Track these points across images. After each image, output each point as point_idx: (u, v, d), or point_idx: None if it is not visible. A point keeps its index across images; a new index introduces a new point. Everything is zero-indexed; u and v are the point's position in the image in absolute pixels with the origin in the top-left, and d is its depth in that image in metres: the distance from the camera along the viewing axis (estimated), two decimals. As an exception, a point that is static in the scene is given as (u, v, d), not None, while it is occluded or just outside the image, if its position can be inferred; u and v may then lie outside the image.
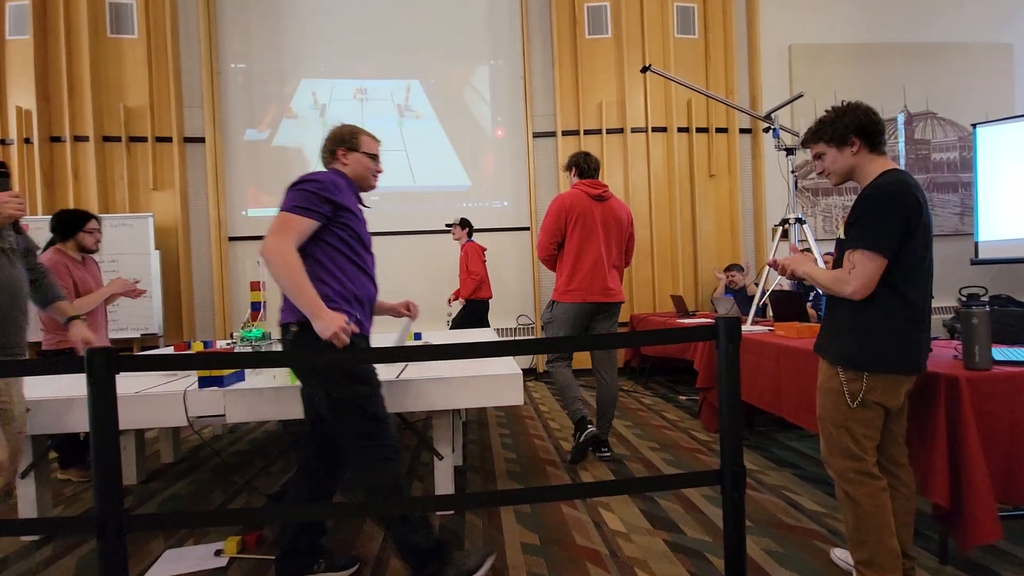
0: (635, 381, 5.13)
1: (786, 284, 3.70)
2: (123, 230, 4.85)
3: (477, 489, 2.54)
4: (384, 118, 5.44)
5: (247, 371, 2.25)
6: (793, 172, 3.48)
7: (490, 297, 4.78)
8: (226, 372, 2.03)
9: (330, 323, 1.51)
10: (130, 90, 5.12)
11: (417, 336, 3.48)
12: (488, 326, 4.75)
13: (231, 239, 5.33)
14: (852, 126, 1.55)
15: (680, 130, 5.55)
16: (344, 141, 1.80)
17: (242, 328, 2.50)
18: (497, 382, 2.14)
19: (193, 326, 5.24)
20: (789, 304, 3.12)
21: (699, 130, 5.58)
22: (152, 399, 1.98)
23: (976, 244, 5.43)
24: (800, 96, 3.64)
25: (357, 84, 5.45)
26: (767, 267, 3.32)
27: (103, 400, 1.18)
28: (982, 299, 5.32)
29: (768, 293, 3.36)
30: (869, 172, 1.57)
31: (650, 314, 5.22)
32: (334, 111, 5.42)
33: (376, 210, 5.39)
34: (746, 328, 3.18)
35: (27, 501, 2.20)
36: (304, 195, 1.61)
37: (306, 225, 1.60)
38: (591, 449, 2.96)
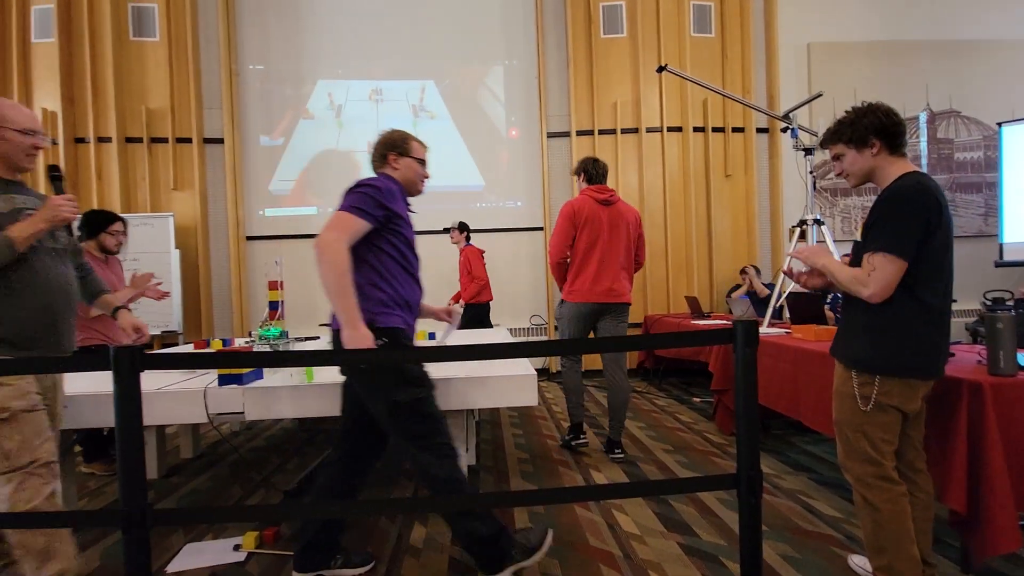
0: (648, 382, 5.11)
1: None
2: (144, 229, 4.95)
3: (490, 489, 2.56)
4: (399, 119, 5.48)
5: (265, 369, 2.29)
6: (811, 172, 3.44)
7: (491, 300, 4.78)
8: (245, 370, 2.07)
9: (361, 340, 1.54)
10: (152, 92, 5.22)
11: (431, 336, 3.50)
12: (491, 327, 4.76)
13: (249, 239, 5.41)
14: (872, 127, 1.53)
15: (696, 130, 5.51)
16: (396, 146, 1.84)
17: (260, 327, 2.54)
18: (511, 383, 2.14)
19: (212, 324, 5.33)
20: (806, 306, 3.09)
21: (715, 129, 5.53)
22: (173, 396, 2.02)
23: (1001, 246, 5.30)
24: (819, 95, 3.60)
25: (372, 85, 5.49)
26: (786, 260, 3.28)
27: (128, 397, 1.21)
28: (1007, 303, 5.19)
29: (785, 295, 3.33)
30: (889, 174, 1.55)
31: (664, 315, 5.19)
32: (350, 112, 5.47)
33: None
34: (762, 330, 3.15)
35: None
36: (362, 197, 1.64)
37: (361, 226, 1.63)
38: (604, 450, 3.04)
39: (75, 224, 1.75)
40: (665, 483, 1.95)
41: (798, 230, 3.40)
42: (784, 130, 3.52)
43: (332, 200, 5.48)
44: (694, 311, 4.83)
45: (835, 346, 1.65)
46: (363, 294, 1.64)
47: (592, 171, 3.04)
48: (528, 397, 2.13)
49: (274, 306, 2.66)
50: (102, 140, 5.14)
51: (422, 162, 1.88)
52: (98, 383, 2.17)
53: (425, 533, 2.14)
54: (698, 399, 4.36)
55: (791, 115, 3.46)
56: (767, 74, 5.58)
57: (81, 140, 5.17)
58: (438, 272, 5.30)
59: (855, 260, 1.59)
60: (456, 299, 4.81)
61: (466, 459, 2.37)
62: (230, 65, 5.27)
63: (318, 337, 3.77)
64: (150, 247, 4.95)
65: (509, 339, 3.71)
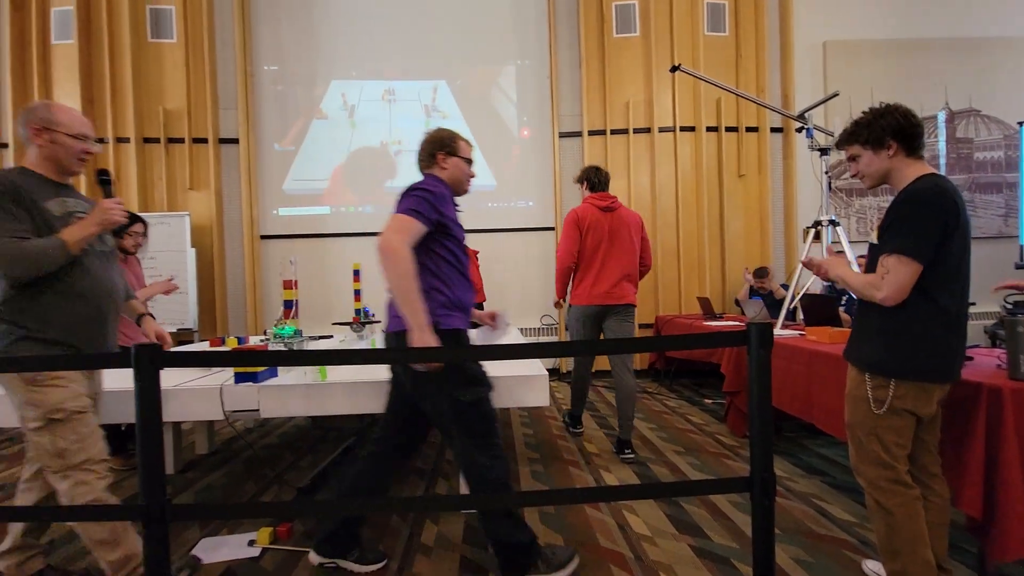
0: (660, 383, 5.09)
1: (819, 286, 3.62)
2: (161, 228, 5.02)
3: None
4: (411, 119, 5.51)
5: (280, 367, 2.32)
6: (827, 173, 3.40)
7: (483, 301, 4.78)
8: (261, 368, 2.10)
9: (426, 341, 1.57)
10: (169, 93, 5.30)
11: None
12: None
13: (263, 237, 5.47)
14: (889, 128, 1.51)
15: (709, 129, 5.47)
16: (444, 145, 1.85)
17: (275, 325, 2.57)
18: (523, 383, 2.15)
19: (226, 322, 5.40)
20: (821, 308, 3.06)
21: (728, 129, 5.49)
22: (190, 393, 2.06)
23: (1021, 247, 5.20)
24: (835, 95, 3.55)
25: (385, 85, 5.53)
26: (798, 270, 3.25)
27: (148, 394, 1.23)
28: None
29: (800, 296, 3.29)
30: (905, 176, 1.53)
31: (676, 316, 5.16)
32: (363, 112, 5.51)
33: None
34: (775, 332, 3.13)
35: (73, 488, 2.32)
36: (419, 200, 1.66)
37: (419, 229, 1.65)
38: (615, 451, 3.05)
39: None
40: (677, 485, 1.95)
41: (813, 231, 3.36)
42: (799, 130, 3.48)
43: (361, 199, 5.52)
44: (706, 312, 4.80)
45: (849, 349, 1.64)
46: (427, 297, 1.67)
47: (595, 179, 3.18)
48: (540, 397, 2.14)
49: (289, 305, 2.69)
50: (120, 140, 5.23)
51: (469, 161, 1.89)
52: (116, 380, 2.22)
53: (436, 532, 2.15)
54: (710, 400, 4.33)
55: (806, 115, 3.43)
56: (782, 73, 5.53)
57: (100, 140, 5.25)
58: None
59: (871, 262, 1.58)
60: None
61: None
62: (245, 66, 5.33)
63: (331, 336, 3.80)
64: (166, 246, 5.02)
65: (520, 339, 3.72)
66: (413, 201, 1.66)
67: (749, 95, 4.20)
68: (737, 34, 5.47)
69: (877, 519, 1.55)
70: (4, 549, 1.74)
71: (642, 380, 5.28)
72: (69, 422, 1.57)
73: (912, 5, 5.55)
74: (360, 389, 2.08)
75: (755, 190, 5.52)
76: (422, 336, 1.57)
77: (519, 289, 5.51)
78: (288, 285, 2.74)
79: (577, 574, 1.81)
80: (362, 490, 1.83)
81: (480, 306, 4.76)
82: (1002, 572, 1.74)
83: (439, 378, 1.67)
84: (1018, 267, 5.22)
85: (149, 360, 1.22)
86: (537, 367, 2.31)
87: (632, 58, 5.47)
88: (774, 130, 5.55)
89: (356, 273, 3.70)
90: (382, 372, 2.24)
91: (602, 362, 5.14)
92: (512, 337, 3.67)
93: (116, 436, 3.01)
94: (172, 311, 5.01)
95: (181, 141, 5.31)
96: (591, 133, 5.48)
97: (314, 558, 1.89)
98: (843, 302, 3.76)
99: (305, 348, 2.78)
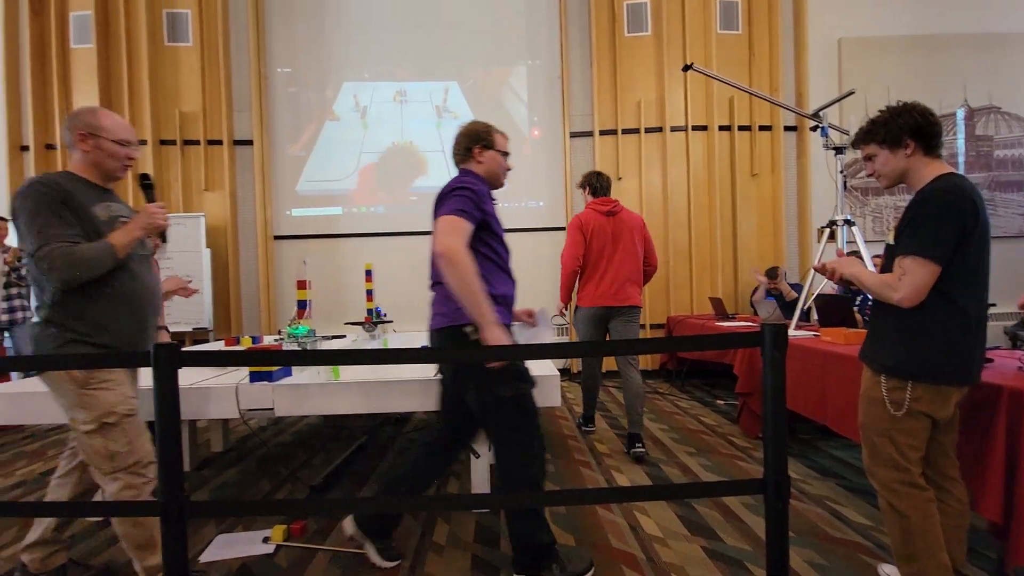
0: (671, 384, 5.06)
1: (833, 286, 3.58)
2: (177, 229, 5.10)
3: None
4: (423, 119, 5.54)
5: (294, 367, 2.34)
6: (842, 171, 3.36)
7: None
8: (275, 368, 2.12)
9: (498, 338, 1.57)
10: (185, 96, 5.37)
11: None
12: None
13: (276, 238, 5.53)
14: (907, 127, 1.49)
15: (722, 128, 5.43)
16: (480, 139, 1.83)
17: (289, 325, 2.59)
18: (534, 383, 2.15)
19: (241, 321, 5.47)
20: (836, 309, 3.02)
21: (741, 128, 5.44)
22: (207, 392, 2.09)
23: (1043, 246, 5.10)
24: (851, 93, 3.50)
25: (397, 86, 5.56)
26: (812, 270, 3.22)
27: (167, 392, 1.26)
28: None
29: (814, 297, 3.26)
30: (923, 176, 1.51)
31: (687, 316, 5.13)
32: (375, 113, 5.55)
33: (414, 210, 5.51)
34: (789, 333, 3.10)
35: (93, 484, 2.37)
36: (464, 200, 1.66)
37: (469, 228, 1.65)
38: (625, 449, 3.08)
39: (167, 231, 1.79)
40: (691, 487, 1.94)
41: (827, 231, 3.32)
42: (814, 129, 3.44)
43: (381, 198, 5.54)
44: (718, 312, 4.76)
45: (864, 350, 1.62)
46: None
47: (596, 184, 3.28)
48: (551, 397, 2.14)
49: (302, 305, 2.72)
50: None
51: (505, 154, 1.87)
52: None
53: (448, 531, 2.16)
54: (722, 401, 4.30)
55: (821, 113, 3.39)
56: (796, 71, 5.47)
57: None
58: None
59: (887, 263, 1.56)
60: None
61: (488, 458, 2.39)
62: (259, 68, 5.39)
63: (344, 336, 3.83)
64: (182, 246, 5.10)
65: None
66: (458, 201, 1.66)
67: (762, 94, 4.17)
68: (750, 32, 5.42)
69: (891, 522, 1.53)
70: (31, 542, 1.78)
71: (654, 381, 5.26)
72: (120, 425, 1.60)
73: (929, 1, 5.46)
74: (372, 389, 2.10)
75: (768, 189, 5.47)
76: (493, 332, 1.57)
77: (529, 289, 5.46)
78: (302, 285, 2.77)
79: None
80: (412, 478, 1.86)
81: None
82: (1022, 578, 1.71)
83: (481, 373, 1.68)
84: (1039, 267, 5.12)
85: (168, 359, 1.25)
86: (548, 367, 2.31)
87: (644, 57, 5.44)
88: (788, 129, 5.49)
89: (368, 273, 3.73)
90: (394, 372, 2.26)
91: (610, 363, 5.14)
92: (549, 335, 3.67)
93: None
94: (188, 311, 5.08)
95: (196, 143, 5.39)
96: (602, 133, 5.46)
97: (348, 526, 1.91)
98: (857, 303, 3.72)
99: (318, 348, 2.80)
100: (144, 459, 1.63)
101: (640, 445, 2.98)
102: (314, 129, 5.56)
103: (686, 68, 3.70)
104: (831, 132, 3.37)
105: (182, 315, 5.09)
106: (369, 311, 3.57)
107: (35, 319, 1.62)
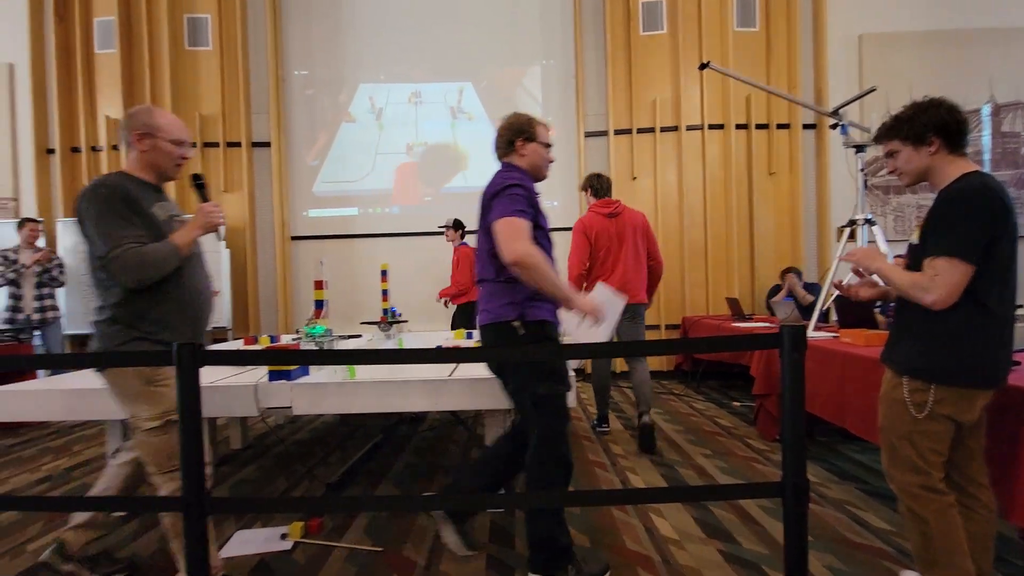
0: (686, 385, 5.02)
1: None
2: (197, 230, 5.19)
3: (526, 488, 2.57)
4: (438, 120, 5.57)
5: (311, 366, 2.37)
6: (862, 170, 3.30)
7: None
8: (293, 367, 2.15)
9: (586, 304, 1.68)
10: (204, 99, 5.47)
11: (469, 335, 3.55)
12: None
13: (293, 238, 5.60)
14: (932, 124, 1.45)
15: (738, 127, 5.37)
16: (522, 131, 1.82)
17: (306, 324, 2.63)
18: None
19: (259, 321, 5.55)
20: (855, 309, 2.97)
21: (759, 126, 5.38)
22: (226, 390, 2.12)
23: (1072, 246, 4.95)
24: (872, 90, 3.44)
25: (412, 88, 5.59)
26: (831, 270, 3.17)
27: (190, 390, 1.28)
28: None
29: (833, 297, 3.21)
30: (947, 174, 1.47)
31: (703, 317, 5.09)
32: (390, 114, 5.59)
33: (429, 210, 5.54)
34: (808, 334, 3.05)
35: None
36: (519, 199, 1.68)
37: (530, 227, 1.68)
38: (634, 429, 3.29)
39: (222, 230, 1.80)
40: (708, 489, 1.92)
41: (847, 230, 3.27)
42: (833, 126, 3.39)
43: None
44: (735, 313, 4.71)
45: (886, 352, 1.59)
46: (513, 289, 1.69)
47: (597, 186, 3.37)
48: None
49: (319, 304, 2.75)
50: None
51: (548, 146, 1.86)
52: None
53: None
54: (738, 403, 4.25)
55: (841, 111, 3.33)
56: (815, 68, 5.39)
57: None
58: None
59: (912, 264, 1.52)
60: (441, 295, 4.79)
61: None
62: (277, 71, 5.47)
63: (360, 335, 3.87)
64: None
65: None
66: (515, 201, 1.66)
67: (781, 92, 4.12)
68: (768, 29, 5.35)
69: (911, 527, 1.50)
70: (80, 523, 1.79)
71: (669, 382, 5.22)
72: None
73: (954, -5, 5.34)
74: (388, 388, 2.12)
75: (786, 188, 5.40)
76: (581, 304, 1.68)
77: (544, 289, 5.50)
78: (319, 285, 2.80)
79: (604, 576, 1.81)
80: (491, 469, 1.91)
81: (476, 304, 4.72)
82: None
83: (520, 368, 1.70)
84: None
85: (190, 358, 1.27)
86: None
87: (659, 56, 5.41)
88: (806, 126, 5.41)
89: (384, 273, 3.76)
90: (409, 372, 2.28)
91: (619, 363, 5.12)
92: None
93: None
94: (207, 310, 5.16)
95: (216, 145, 5.48)
96: (617, 132, 5.44)
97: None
98: (878, 303, 3.65)
99: (335, 347, 2.84)
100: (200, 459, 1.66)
101: (647, 416, 3.14)
102: (329, 133, 5.62)
103: (703, 67, 3.67)
104: (851, 130, 3.32)
105: (202, 314, 5.17)
106: (384, 311, 3.60)
107: (98, 318, 1.63)
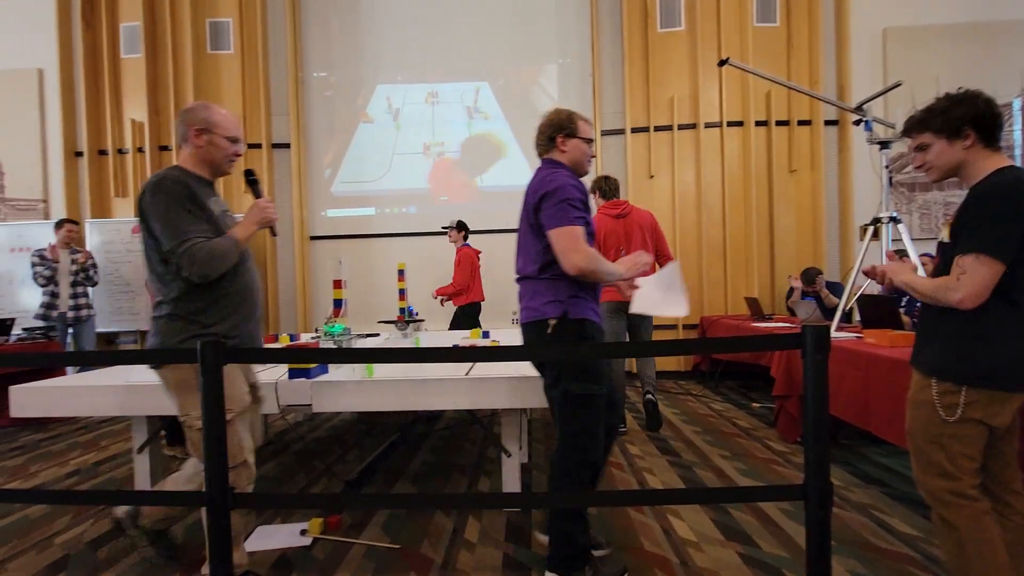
0: (704, 385, 4.96)
1: (877, 289, 3.44)
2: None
3: (543, 487, 2.57)
4: (454, 120, 5.59)
5: (330, 364, 2.39)
6: (887, 167, 3.22)
7: (481, 300, 4.75)
8: (313, 365, 2.18)
9: (629, 267, 1.80)
10: (226, 101, 5.56)
11: (485, 335, 3.56)
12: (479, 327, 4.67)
13: (312, 238, 5.67)
14: (968, 116, 1.39)
15: (758, 123, 5.29)
16: (563, 127, 1.81)
17: (325, 323, 2.66)
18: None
19: (278, 319, 5.63)
20: (880, 309, 2.90)
21: (779, 123, 5.29)
22: (248, 387, 2.16)
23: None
24: (898, 85, 3.35)
25: (429, 88, 5.62)
26: (854, 269, 3.10)
27: (213, 387, 1.31)
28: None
29: (857, 297, 3.14)
30: (980, 169, 1.42)
31: (722, 316, 5.02)
32: (407, 114, 5.63)
33: (446, 210, 5.55)
34: (831, 334, 3.00)
35: (142, 474, 2.48)
36: (571, 206, 1.68)
37: (584, 231, 1.70)
38: (643, 402, 3.52)
39: (276, 226, 1.83)
40: (728, 491, 1.90)
41: (871, 228, 3.19)
42: (857, 123, 3.31)
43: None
44: (754, 313, 4.64)
45: (914, 355, 1.54)
46: (556, 287, 1.70)
47: (605, 188, 3.47)
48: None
49: (338, 304, 2.78)
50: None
51: (589, 141, 1.86)
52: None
53: (480, 528, 2.18)
54: (757, 404, 4.19)
55: (865, 107, 3.26)
56: (837, 63, 5.28)
57: (165, 148, 5.58)
58: (495, 273, 5.21)
59: (943, 262, 1.48)
60: (437, 293, 4.76)
61: (519, 457, 2.39)
62: (296, 74, 5.54)
63: (377, 334, 3.90)
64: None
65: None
66: (567, 208, 1.66)
67: (802, 87, 4.04)
68: (789, 23, 5.26)
69: (943, 535, 1.45)
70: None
71: (686, 382, 5.17)
72: (234, 424, 1.63)
73: (983, -14, 5.18)
74: (405, 387, 2.13)
75: (807, 186, 5.30)
76: (623, 273, 1.77)
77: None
78: (338, 285, 2.83)
79: (621, 578, 1.80)
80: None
81: (477, 305, 4.72)
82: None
83: (557, 366, 1.70)
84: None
85: (214, 355, 1.30)
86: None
87: (677, 52, 5.35)
88: (828, 123, 5.31)
89: (401, 272, 3.79)
90: (425, 371, 2.28)
91: (630, 363, 5.05)
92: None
93: (179, 427, 3.19)
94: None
95: (237, 146, 5.56)
96: (634, 130, 5.40)
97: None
98: (903, 303, 3.56)
99: (354, 346, 2.86)
100: (247, 458, 1.69)
101: (651, 395, 3.35)
102: (347, 134, 5.67)
103: (722, 63, 3.62)
104: (875, 126, 3.24)
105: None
106: (401, 310, 3.63)
107: (158, 314, 1.65)
